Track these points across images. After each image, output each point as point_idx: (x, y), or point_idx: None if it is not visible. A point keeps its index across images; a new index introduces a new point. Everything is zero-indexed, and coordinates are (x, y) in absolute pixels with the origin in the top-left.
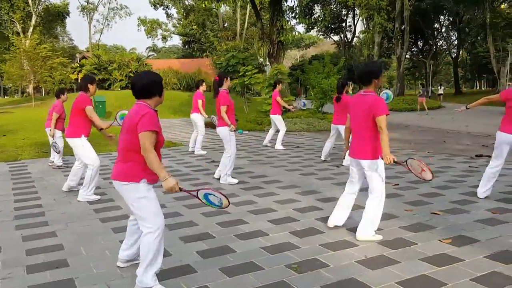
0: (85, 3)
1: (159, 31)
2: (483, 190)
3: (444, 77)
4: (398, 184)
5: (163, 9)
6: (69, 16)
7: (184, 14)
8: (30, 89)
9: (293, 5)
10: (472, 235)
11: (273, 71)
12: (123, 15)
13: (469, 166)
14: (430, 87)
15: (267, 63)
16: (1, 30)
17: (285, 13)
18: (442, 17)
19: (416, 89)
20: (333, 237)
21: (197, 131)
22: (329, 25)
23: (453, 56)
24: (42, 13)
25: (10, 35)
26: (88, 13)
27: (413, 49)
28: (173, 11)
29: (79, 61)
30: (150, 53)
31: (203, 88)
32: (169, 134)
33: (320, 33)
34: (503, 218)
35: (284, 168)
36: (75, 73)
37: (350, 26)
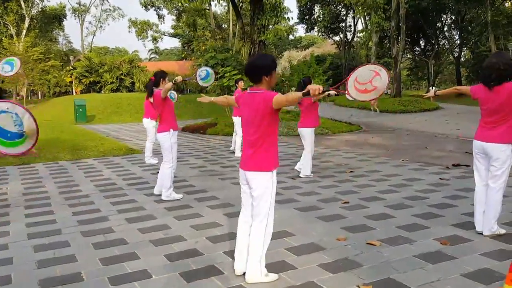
0: (76, 5)
1: (150, 32)
2: (476, 219)
3: (449, 77)
4: (348, 202)
5: (154, 10)
6: (66, 18)
7: (176, 15)
8: (23, 92)
9: (275, 2)
10: (402, 279)
11: None
12: (116, 17)
13: (440, 179)
14: (432, 87)
15: None
16: None
17: (267, 11)
18: (444, 15)
19: (420, 90)
20: (232, 282)
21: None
22: (329, 25)
23: (455, 55)
24: (38, 16)
25: (3, 38)
26: (80, 15)
27: (415, 49)
28: (165, 12)
29: (73, 63)
30: (153, 55)
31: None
32: (135, 139)
33: (320, 34)
34: (452, 251)
35: (232, 181)
36: (69, 76)
37: (350, 26)
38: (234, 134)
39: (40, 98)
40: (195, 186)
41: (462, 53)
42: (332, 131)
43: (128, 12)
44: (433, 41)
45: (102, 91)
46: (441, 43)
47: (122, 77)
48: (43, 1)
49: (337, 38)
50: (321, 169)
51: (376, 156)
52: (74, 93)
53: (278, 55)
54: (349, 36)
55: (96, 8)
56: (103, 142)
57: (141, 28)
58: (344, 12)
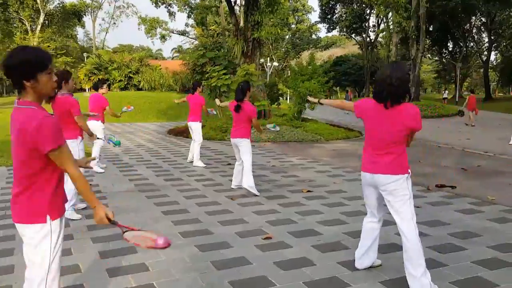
0: (89, 1)
1: (158, 30)
2: (358, 254)
3: (480, 81)
4: (271, 238)
5: (165, 7)
6: (85, 15)
7: (188, 13)
8: None
9: None
10: None
11: (241, 72)
12: (129, 14)
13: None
14: (458, 91)
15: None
16: (9, 28)
17: (261, 6)
18: (473, 17)
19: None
20: None
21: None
22: (351, 24)
23: (484, 59)
24: (55, 12)
25: (18, 33)
26: (92, 11)
27: (442, 51)
28: (175, 9)
29: (86, 61)
30: (176, 54)
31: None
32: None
33: (342, 33)
34: None
35: (154, 200)
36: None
37: (374, 25)
38: (192, 142)
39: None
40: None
41: (493, 57)
42: (326, 138)
43: (139, 9)
44: (461, 44)
45: (111, 89)
46: (469, 46)
47: (131, 75)
48: None
49: (359, 38)
50: (277, 186)
51: (354, 170)
52: (87, 90)
53: (296, 55)
54: (373, 36)
55: (110, 5)
56: None
57: (150, 26)
58: (368, 11)
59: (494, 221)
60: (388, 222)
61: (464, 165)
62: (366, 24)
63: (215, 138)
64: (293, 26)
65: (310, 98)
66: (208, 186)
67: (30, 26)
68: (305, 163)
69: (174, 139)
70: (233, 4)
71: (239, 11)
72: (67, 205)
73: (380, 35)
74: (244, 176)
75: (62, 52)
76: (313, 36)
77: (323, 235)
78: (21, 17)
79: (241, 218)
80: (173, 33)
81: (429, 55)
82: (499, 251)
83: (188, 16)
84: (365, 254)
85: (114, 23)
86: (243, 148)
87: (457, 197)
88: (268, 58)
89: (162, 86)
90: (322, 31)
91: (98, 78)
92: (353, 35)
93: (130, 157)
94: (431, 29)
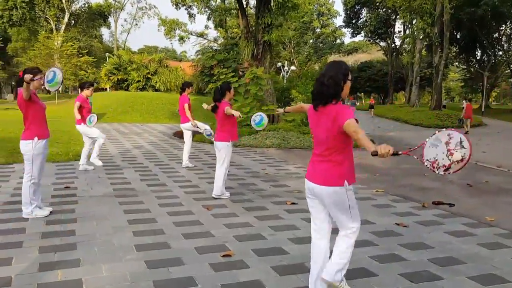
0: (112, 1)
1: (177, 32)
2: (311, 280)
3: (509, 91)
4: (230, 256)
5: (186, 9)
6: (110, 15)
7: (208, 15)
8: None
9: None
10: None
11: (249, 75)
12: (151, 15)
13: (396, 223)
14: (484, 101)
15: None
16: (35, 26)
17: (273, 9)
18: (503, 25)
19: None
20: None
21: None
22: (376, 30)
23: None
24: (80, 12)
25: (43, 32)
26: (114, 12)
27: (470, 59)
28: (195, 11)
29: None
30: (199, 56)
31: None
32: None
33: (366, 38)
34: None
35: (126, 206)
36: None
37: (400, 31)
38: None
39: (78, 93)
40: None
41: None
42: None
43: (161, 11)
44: (489, 52)
45: (129, 89)
46: (498, 55)
47: (149, 76)
48: None
49: (384, 44)
50: (262, 196)
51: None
52: (108, 90)
53: (318, 59)
54: (398, 42)
55: (132, 6)
56: (66, 145)
57: (169, 27)
58: (393, 17)
59: (485, 246)
60: (358, 243)
61: (471, 180)
62: (392, 30)
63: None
64: (317, 30)
65: (278, 111)
66: (190, 193)
67: (55, 25)
68: (301, 172)
69: (177, 141)
70: (244, 6)
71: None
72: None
73: (405, 41)
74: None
75: (85, 51)
76: (338, 41)
77: (288, 255)
78: (46, 16)
79: (209, 231)
80: (192, 34)
81: (456, 63)
82: (480, 284)
83: (208, 18)
84: (317, 280)
85: (136, 24)
86: (218, 154)
87: (452, 216)
88: (286, 62)
89: (178, 88)
90: (347, 36)
91: (117, 78)
92: (377, 41)
93: (123, 159)
94: (458, 36)
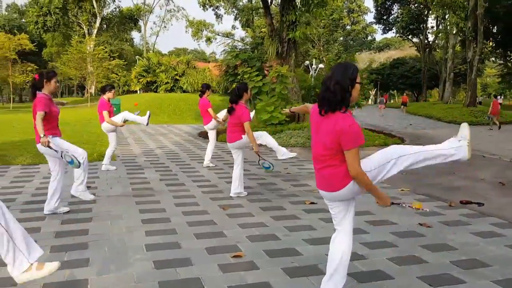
0: (141, 5)
1: (204, 33)
2: (324, 281)
3: None
4: (241, 256)
5: (213, 10)
6: (140, 19)
7: (234, 15)
8: (92, 90)
9: None
10: None
11: (273, 74)
12: (179, 17)
13: (419, 224)
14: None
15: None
16: (68, 31)
17: (298, 5)
18: None
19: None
20: None
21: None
22: (407, 25)
23: None
24: (111, 16)
25: (76, 37)
26: (144, 15)
27: (507, 54)
28: (222, 11)
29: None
30: (224, 55)
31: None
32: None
33: (398, 35)
34: None
35: (142, 206)
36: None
37: (432, 27)
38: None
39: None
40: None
41: None
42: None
43: (189, 13)
44: None
45: (158, 91)
46: None
47: (177, 77)
48: (114, 1)
49: (416, 40)
50: (281, 196)
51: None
52: (138, 92)
53: (348, 56)
54: (431, 38)
55: (161, 9)
56: (92, 146)
57: (197, 28)
58: (426, 12)
59: None
60: (374, 245)
61: (504, 178)
62: (424, 25)
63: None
64: (348, 27)
65: (284, 111)
66: (207, 193)
67: (88, 30)
68: None
69: (201, 142)
70: (268, 4)
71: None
72: (54, 203)
73: (438, 36)
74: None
75: (116, 55)
76: (369, 38)
77: (301, 256)
78: (79, 22)
79: (221, 231)
80: (218, 35)
81: (493, 59)
82: None
83: (235, 19)
84: (330, 281)
85: (165, 27)
86: (236, 154)
87: (480, 216)
88: (314, 60)
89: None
90: (379, 33)
91: (147, 80)
92: (410, 37)
93: (145, 159)
94: (494, 30)
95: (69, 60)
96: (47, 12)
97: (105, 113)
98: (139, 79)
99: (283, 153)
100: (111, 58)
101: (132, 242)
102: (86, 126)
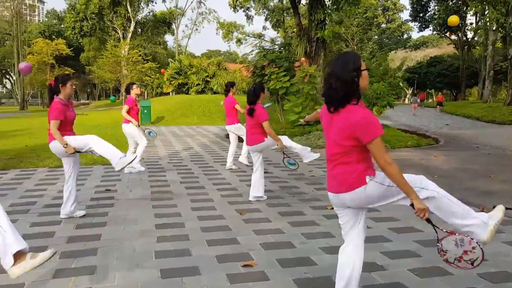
0: (173, 8)
1: (235, 34)
2: None
3: None
4: (251, 266)
5: (243, 11)
6: (174, 22)
7: (265, 16)
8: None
9: None
10: None
11: (301, 74)
12: (211, 20)
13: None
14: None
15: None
16: (104, 36)
17: (326, 4)
18: None
19: None
20: None
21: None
22: (445, 22)
23: None
24: (145, 21)
25: (111, 41)
26: (175, 18)
27: None
28: (253, 12)
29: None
30: (252, 56)
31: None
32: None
33: (435, 32)
34: None
35: (158, 210)
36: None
37: (471, 23)
38: (230, 146)
39: (145, 98)
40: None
41: None
42: (392, 145)
43: (220, 15)
44: None
45: (189, 92)
46: None
47: (208, 79)
48: (148, 6)
49: (455, 37)
50: (302, 200)
51: None
52: (170, 94)
53: (384, 55)
54: (470, 35)
55: (193, 11)
56: (120, 148)
57: (227, 30)
58: (464, 8)
59: None
60: (395, 254)
61: None
62: (462, 22)
63: None
64: (383, 25)
65: (301, 121)
66: (226, 196)
67: (123, 34)
68: None
69: (227, 143)
70: (296, 3)
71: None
72: (69, 207)
73: (477, 33)
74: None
75: (149, 58)
76: (404, 36)
77: (315, 267)
78: (114, 26)
79: (235, 237)
80: (249, 36)
81: None
82: None
83: (266, 19)
84: None
85: (196, 29)
86: (256, 156)
87: None
88: None
89: (237, 90)
90: (415, 31)
91: (178, 82)
92: (447, 34)
93: (169, 161)
94: None
95: (104, 64)
96: (84, 17)
97: (125, 107)
98: (171, 81)
99: (308, 156)
100: (145, 61)
101: (142, 248)
102: (115, 128)
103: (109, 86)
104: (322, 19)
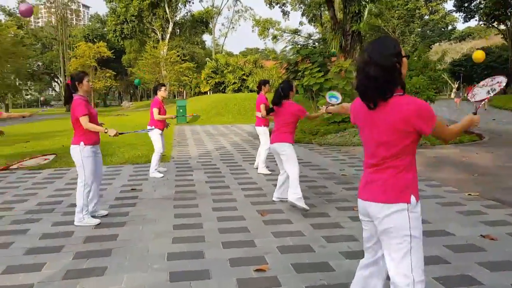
0: (210, 7)
1: (270, 31)
2: None
3: None
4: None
5: (279, 7)
6: (211, 22)
7: (302, 11)
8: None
9: None
10: None
11: (335, 69)
12: (247, 17)
13: (481, 236)
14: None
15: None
16: (144, 38)
17: None
18: None
19: None
20: None
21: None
22: (492, 12)
23: None
24: (183, 21)
25: (150, 42)
26: (212, 17)
27: None
28: (289, 8)
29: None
30: (286, 52)
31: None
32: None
33: (481, 22)
34: None
35: (179, 210)
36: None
37: None
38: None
39: (184, 97)
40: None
41: None
42: (432, 142)
43: (256, 12)
44: None
45: (226, 91)
46: None
47: (244, 77)
48: (186, 6)
49: (503, 27)
50: (328, 200)
51: (440, 184)
52: (208, 93)
53: (425, 48)
54: None
55: (229, 10)
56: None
57: (263, 27)
58: None
59: None
60: (425, 260)
61: None
62: (511, 11)
63: (302, 141)
64: (426, 17)
65: (320, 110)
66: (249, 196)
67: (161, 35)
68: None
69: (259, 142)
70: None
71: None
72: (91, 207)
73: None
74: (290, 188)
75: (187, 58)
76: (449, 27)
77: (333, 273)
78: (153, 28)
79: (252, 240)
80: (285, 32)
81: None
82: None
83: (302, 14)
84: None
85: (233, 28)
86: (285, 156)
87: None
88: None
89: (271, 87)
90: (460, 22)
91: (215, 82)
92: (495, 24)
93: (198, 160)
94: None
95: (144, 65)
96: (124, 20)
97: (155, 110)
98: (208, 80)
99: (295, 198)
100: (182, 61)
101: (156, 249)
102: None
103: (149, 87)
104: (357, 12)
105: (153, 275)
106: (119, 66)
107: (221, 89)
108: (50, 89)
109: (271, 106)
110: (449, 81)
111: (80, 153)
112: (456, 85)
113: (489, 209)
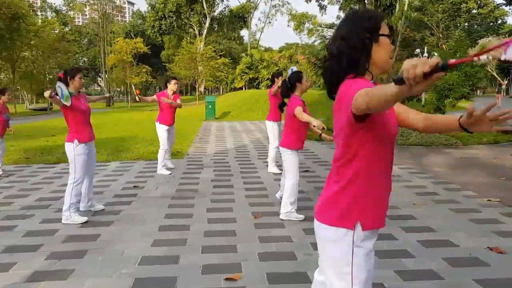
0: (246, 2)
1: (306, 25)
2: None
3: None
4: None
5: (316, 1)
6: (248, 17)
7: (339, 5)
8: (201, 88)
9: None
10: None
11: None
12: (284, 12)
13: (488, 248)
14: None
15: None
16: (182, 33)
17: None
18: None
19: None
20: None
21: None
22: None
23: None
24: (221, 17)
25: (188, 38)
26: (248, 12)
27: None
28: (326, 2)
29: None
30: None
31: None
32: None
33: None
34: None
35: (173, 210)
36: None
37: None
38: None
39: (221, 93)
40: (118, 213)
41: None
42: (464, 141)
43: (293, 6)
44: None
45: (260, 87)
46: None
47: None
48: (223, 1)
49: None
50: None
51: (460, 188)
52: (243, 89)
53: (471, 43)
54: None
55: (266, 4)
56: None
57: (299, 21)
58: None
59: None
60: (413, 274)
61: None
62: None
63: (313, 137)
64: (474, 11)
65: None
66: (250, 197)
67: (199, 31)
68: (404, 174)
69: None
70: None
71: None
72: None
73: None
74: (282, 199)
75: (223, 53)
76: (498, 21)
77: (309, 285)
78: (191, 23)
79: (235, 244)
80: (321, 27)
81: None
82: None
83: (340, 8)
84: None
85: (269, 22)
86: (285, 163)
87: None
88: (426, 48)
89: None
90: (510, 15)
91: (249, 77)
92: None
93: (212, 158)
94: None
95: (180, 61)
96: (162, 16)
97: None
98: (242, 76)
99: (284, 214)
100: (218, 57)
101: (132, 252)
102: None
103: (186, 83)
104: (388, 4)
105: (117, 281)
106: (158, 62)
107: (255, 84)
108: (95, 84)
109: (283, 100)
110: (498, 77)
111: (73, 150)
112: (506, 82)
113: (507, 217)
